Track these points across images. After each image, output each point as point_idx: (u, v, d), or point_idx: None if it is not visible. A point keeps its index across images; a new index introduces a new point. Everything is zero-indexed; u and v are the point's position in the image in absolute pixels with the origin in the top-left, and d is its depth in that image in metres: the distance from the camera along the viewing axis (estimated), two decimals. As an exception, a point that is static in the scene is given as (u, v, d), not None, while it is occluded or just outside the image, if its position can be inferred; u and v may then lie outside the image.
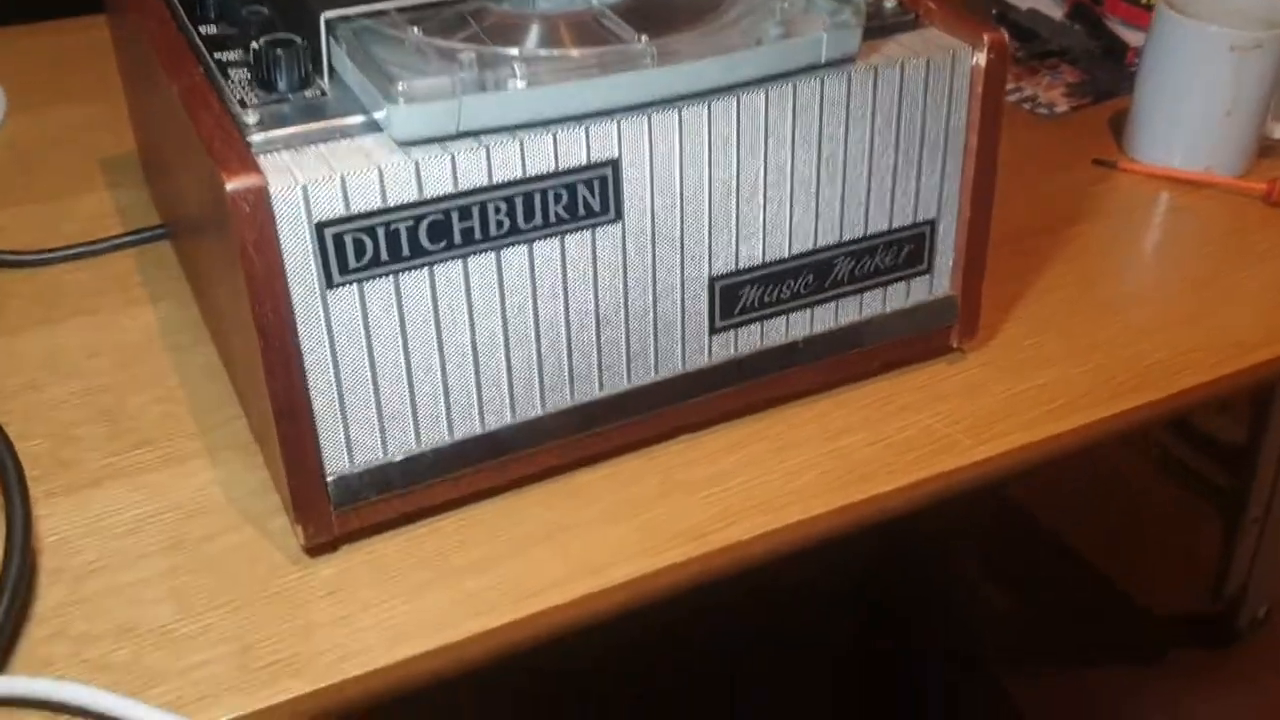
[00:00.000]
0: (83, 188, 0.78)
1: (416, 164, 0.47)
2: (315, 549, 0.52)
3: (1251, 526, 1.33)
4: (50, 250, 0.71)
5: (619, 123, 0.50)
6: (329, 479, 0.51)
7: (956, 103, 0.58)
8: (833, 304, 0.60)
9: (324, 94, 0.50)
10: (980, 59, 0.57)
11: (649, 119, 0.51)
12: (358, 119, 0.49)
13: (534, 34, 0.53)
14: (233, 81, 0.51)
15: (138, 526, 0.54)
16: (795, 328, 0.59)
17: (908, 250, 0.60)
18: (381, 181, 0.47)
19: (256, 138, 0.47)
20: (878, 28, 0.58)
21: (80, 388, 0.62)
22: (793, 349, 0.59)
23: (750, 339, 0.58)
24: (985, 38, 0.56)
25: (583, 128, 0.50)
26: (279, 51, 0.49)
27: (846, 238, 0.58)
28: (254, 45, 0.50)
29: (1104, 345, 0.67)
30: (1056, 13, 1.03)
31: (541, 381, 0.54)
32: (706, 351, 0.57)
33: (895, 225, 0.59)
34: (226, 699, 0.47)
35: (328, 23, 0.50)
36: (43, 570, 0.52)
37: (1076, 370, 0.65)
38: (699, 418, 0.59)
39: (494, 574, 0.52)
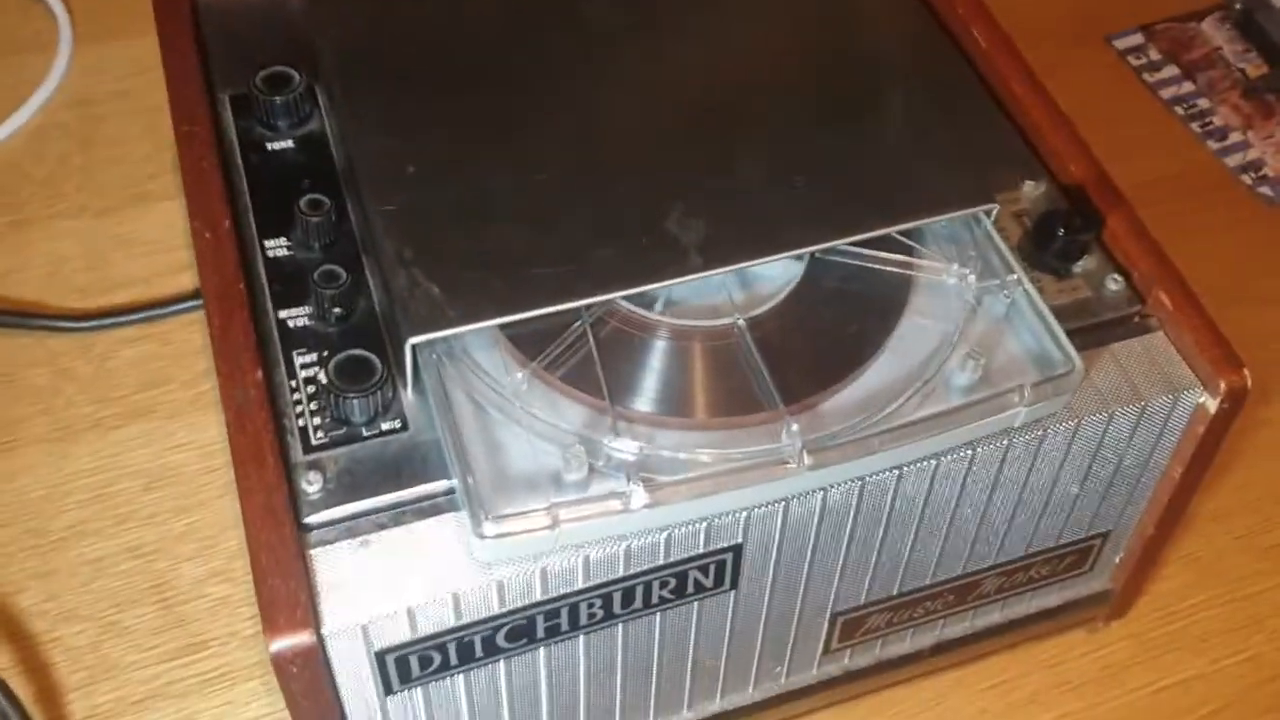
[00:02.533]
0: (150, 189, 0.69)
1: (500, 584, 0.39)
2: None
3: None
4: (105, 315, 0.63)
5: (748, 514, 0.41)
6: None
7: (1166, 440, 0.47)
8: (970, 613, 0.52)
9: (404, 425, 0.42)
10: (1211, 404, 0.46)
11: (786, 507, 0.42)
12: (440, 484, 0.41)
13: (658, 357, 0.43)
14: (297, 381, 0.42)
15: (181, 783, 0.51)
16: (921, 638, 0.52)
17: (1071, 560, 0.52)
18: (456, 605, 0.39)
19: (314, 519, 0.40)
20: (1092, 325, 0.47)
21: (131, 542, 0.57)
22: (914, 655, 0.52)
23: (867, 653, 0.51)
24: (1221, 384, 0.45)
25: (704, 525, 0.41)
26: (352, 395, 0.41)
27: (1001, 560, 0.50)
28: (323, 377, 0.41)
29: (1267, 620, 0.58)
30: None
31: (622, 714, 0.48)
32: (814, 669, 0.51)
33: (1062, 542, 0.50)
34: None
35: (414, 348, 0.41)
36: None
37: (1230, 659, 0.57)
38: (792, 716, 0.53)
39: None
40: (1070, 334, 0.44)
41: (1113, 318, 0.47)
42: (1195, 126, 0.78)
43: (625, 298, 0.43)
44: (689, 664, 0.47)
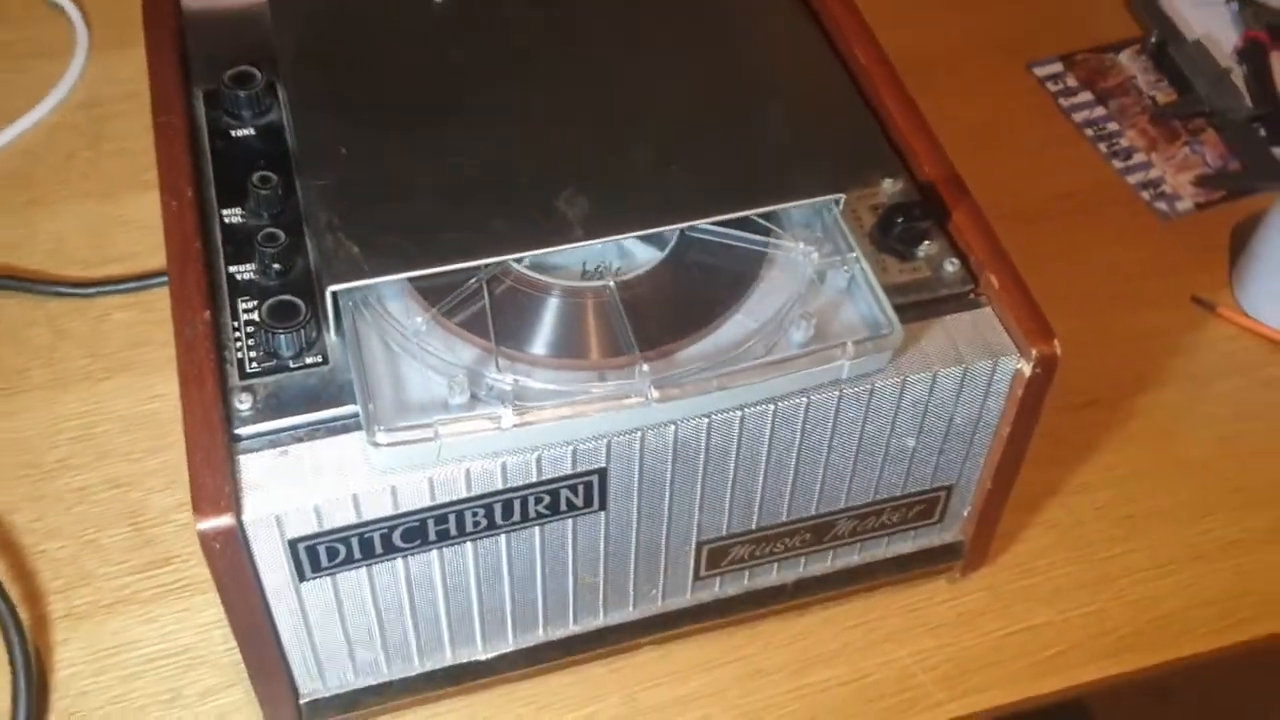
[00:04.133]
0: (148, 179, 0.77)
1: (393, 488, 0.47)
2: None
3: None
4: (101, 283, 0.72)
5: (609, 441, 0.49)
6: (303, 702, 0.54)
7: (993, 401, 0.54)
8: (829, 553, 0.59)
9: (325, 360, 0.50)
10: (1026, 369, 0.53)
11: (642, 437, 0.50)
12: (349, 408, 0.49)
13: (542, 312, 0.51)
14: (239, 323, 0.51)
15: (142, 670, 0.59)
16: (785, 572, 0.59)
17: (919, 509, 0.59)
18: (356, 504, 0.47)
19: (245, 430, 0.48)
20: (928, 300, 0.54)
21: (109, 475, 0.65)
22: (780, 589, 0.60)
23: (736, 583, 0.59)
24: (1034, 352, 0.52)
25: (570, 448, 0.49)
26: (280, 331, 0.49)
27: (851, 504, 0.57)
28: (257, 316, 0.50)
29: (1116, 579, 0.65)
30: (1230, 38, 0.91)
31: (513, 624, 0.55)
32: (688, 593, 0.58)
33: (908, 491, 0.58)
34: None
35: (335, 295, 0.49)
36: (53, 712, 0.57)
37: (1077, 611, 0.64)
38: (671, 635, 0.60)
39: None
40: (907, 307, 0.52)
41: (947, 294, 0.55)
42: (1103, 147, 0.86)
43: (517, 260, 0.51)
44: (570, 578, 0.54)
